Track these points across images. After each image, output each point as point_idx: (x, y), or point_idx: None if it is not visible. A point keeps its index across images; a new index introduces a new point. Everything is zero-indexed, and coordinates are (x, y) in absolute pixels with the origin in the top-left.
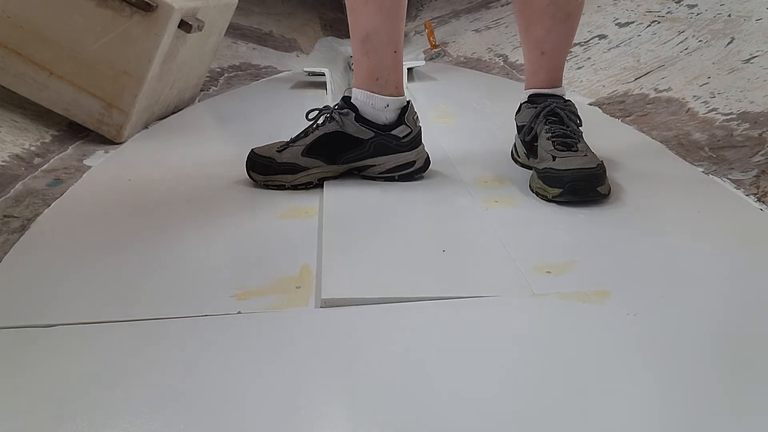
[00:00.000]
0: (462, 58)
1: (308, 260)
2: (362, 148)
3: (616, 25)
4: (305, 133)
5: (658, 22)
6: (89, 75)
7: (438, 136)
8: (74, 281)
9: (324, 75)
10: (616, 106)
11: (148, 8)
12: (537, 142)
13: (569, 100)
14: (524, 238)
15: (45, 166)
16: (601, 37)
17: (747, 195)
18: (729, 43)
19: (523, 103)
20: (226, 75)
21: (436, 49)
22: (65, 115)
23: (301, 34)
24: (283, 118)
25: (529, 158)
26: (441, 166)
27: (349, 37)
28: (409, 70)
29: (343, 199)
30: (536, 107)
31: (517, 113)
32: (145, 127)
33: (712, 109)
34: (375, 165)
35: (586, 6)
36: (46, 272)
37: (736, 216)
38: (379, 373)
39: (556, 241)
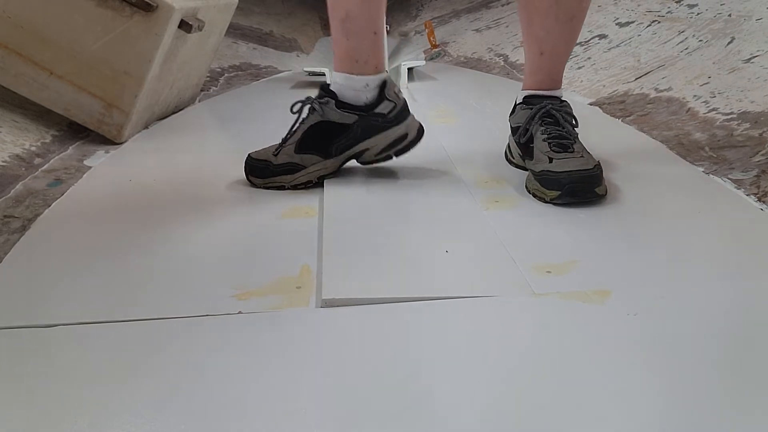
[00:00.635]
0: (462, 58)
1: (308, 260)
2: (350, 132)
3: (616, 24)
4: (293, 129)
5: (659, 22)
6: (89, 75)
7: (438, 135)
8: (74, 281)
9: (324, 75)
10: (617, 106)
11: (149, 8)
12: (532, 143)
13: (565, 101)
14: (524, 238)
15: (45, 167)
16: (602, 36)
17: (747, 195)
18: (729, 43)
19: (518, 104)
20: (226, 75)
21: (437, 49)
22: (65, 115)
23: (302, 34)
24: (284, 118)
25: (524, 159)
26: (441, 166)
27: None
28: (409, 70)
29: (344, 199)
30: (531, 108)
31: (511, 114)
32: (146, 127)
33: (713, 109)
34: (368, 148)
35: None
36: (46, 272)
37: (737, 216)
38: (379, 373)
39: (557, 241)
